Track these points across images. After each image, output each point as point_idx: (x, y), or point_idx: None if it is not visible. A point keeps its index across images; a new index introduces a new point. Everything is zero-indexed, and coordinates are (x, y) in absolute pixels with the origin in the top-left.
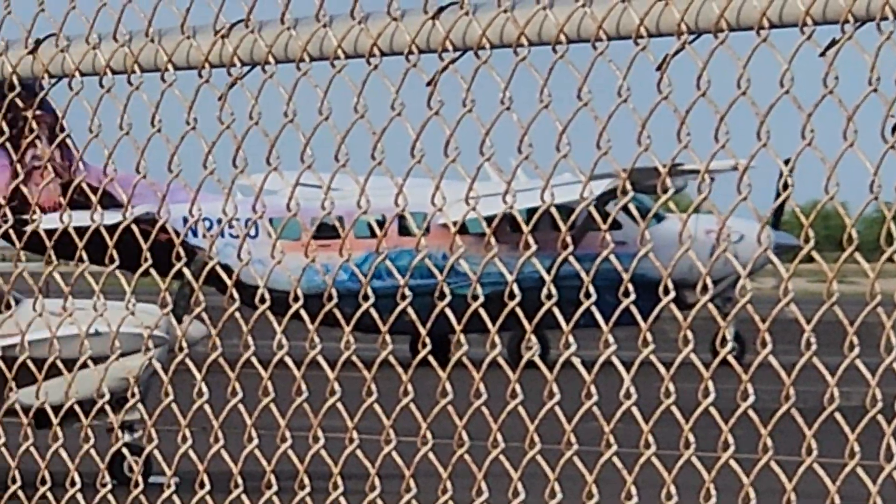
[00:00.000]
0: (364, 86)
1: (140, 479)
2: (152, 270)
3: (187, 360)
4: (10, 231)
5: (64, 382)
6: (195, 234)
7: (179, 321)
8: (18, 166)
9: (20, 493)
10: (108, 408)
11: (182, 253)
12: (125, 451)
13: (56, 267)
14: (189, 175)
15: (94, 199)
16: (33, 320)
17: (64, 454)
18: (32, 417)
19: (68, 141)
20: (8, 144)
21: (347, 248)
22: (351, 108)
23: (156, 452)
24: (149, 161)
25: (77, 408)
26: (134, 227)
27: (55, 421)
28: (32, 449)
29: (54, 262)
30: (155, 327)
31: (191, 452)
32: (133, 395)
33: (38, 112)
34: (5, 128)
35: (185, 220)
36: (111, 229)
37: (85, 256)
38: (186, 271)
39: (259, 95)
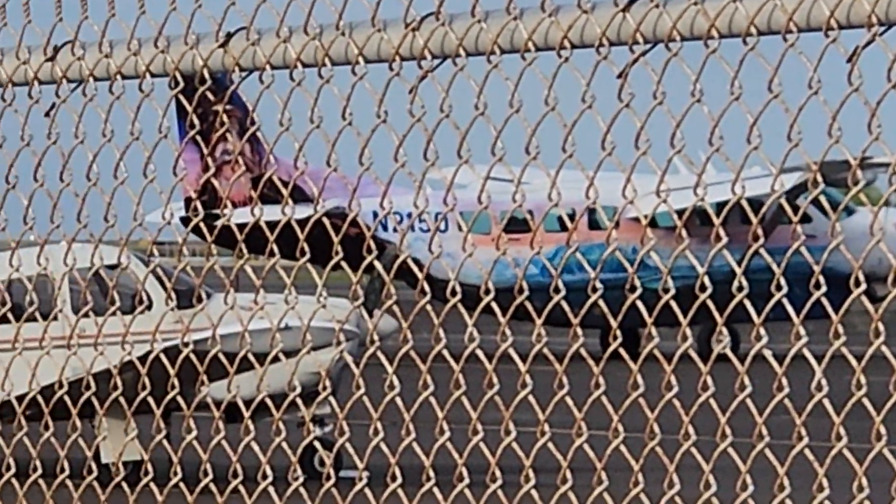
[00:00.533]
0: (555, 78)
1: (331, 473)
2: (343, 264)
3: (378, 354)
4: (201, 225)
5: (255, 376)
6: (385, 227)
7: (370, 315)
8: (209, 160)
9: (212, 486)
10: (299, 402)
11: (373, 247)
12: (316, 444)
13: (247, 261)
14: (379, 168)
15: (284, 192)
16: (224, 314)
17: (255, 448)
18: (224, 411)
19: (258, 135)
20: (198, 138)
21: (538, 241)
22: (542, 100)
23: (347, 446)
24: (339, 154)
25: (268, 402)
26: (324, 220)
27: (247, 414)
28: (224, 443)
29: (245, 257)
30: (346, 321)
31: (382, 446)
32: (324, 388)
33: (228, 106)
34: (196, 122)
35: (375, 214)
36: (301, 223)
37: (276, 250)
38: (378, 265)
39: (449, 88)
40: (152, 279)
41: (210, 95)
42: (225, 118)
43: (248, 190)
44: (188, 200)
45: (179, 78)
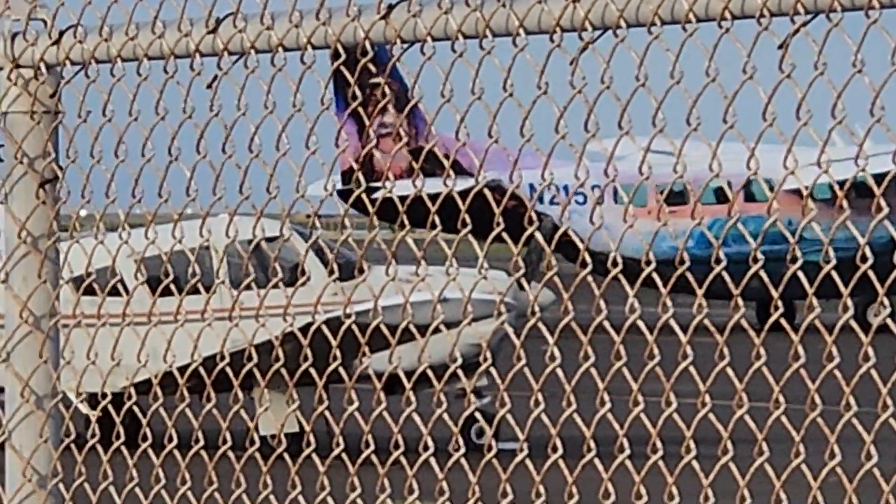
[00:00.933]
0: (715, 49)
1: (493, 444)
2: (505, 235)
3: (539, 325)
4: (361, 198)
5: (414, 348)
6: (541, 200)
7: (527, 287)
8: (367, 133)
9: (373, 457)
10: (460, 373)
11: (534, 218)
12: (477, 416)
13: (407, 233)
14: (538, 140)
15: (445, 164)
16: (385, 286)
17: (417, 419)
18: (384, 383)
19: (417, 107)
20: (356, 111)
21: (699, 213)
22: (702, 71)
23: (507, 417)
24: (500, 126)
25: (429, 373)
26: (484, 192)
27: (408, 385)
28: (385, 414)
29: (405, 229)
30: (505, 293)
31: (543, 417)
32: (484, 360)
33: (384, 79)
34: (357, 93)
35: (531, 187)
36: (459, 196)
37: (437, 222)
38: (539, 237)
39: (610, 59)
40: (311, 252)
41: (370, 68)
42: (385, 91)
43: (405, 162)
44: (345, 173)
45: (341, 50)
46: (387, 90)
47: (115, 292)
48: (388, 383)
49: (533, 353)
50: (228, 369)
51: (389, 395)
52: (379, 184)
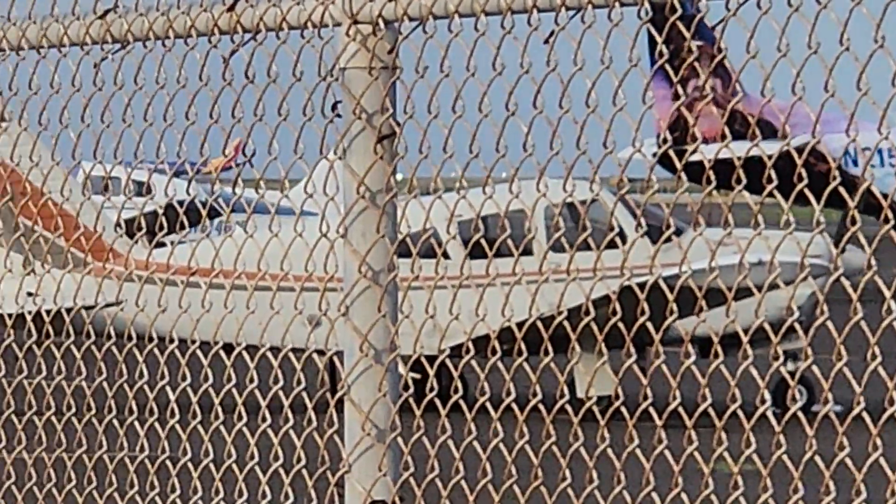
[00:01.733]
0: None
1: (830, 398)
2: (809, 197)
3: (848, 288)
4: (675, 162)
5: (723, 312)
6: (856, 163)
7: (842, 250)
8: (680, 95)
9: (711, 410)
10: (775, 336)
11: (876, 185)
12: (789, 379)
13: (738, 192)
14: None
15: (782, 123)
16: (718, 246)
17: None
18: (696, 345)
19: (729, 68)
20: (671, 73)
21: None
22: None
23: (823, 382)
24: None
25: (767, 328)
26: (795, 155)
27: (745, 339)
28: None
29: (739, 187)
30: (818, 256)
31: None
32: (799, 323)
33: (699, 42)
34: (694, 48)
35: (846, 151)
36: (777, 158)
37: (773, 177)
38: (878, 196)
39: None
40: (627, 214)
41: (681, 29)
42: (694, 52)
43: (721, 125)
44: (659, 136)
45: (678, 3)
46: (699, 53)
47: (433, 254)
48: (701, 346)
49: (840, 315)
50: (544, 332)
51: (703, 358)
52: (707, 146)
